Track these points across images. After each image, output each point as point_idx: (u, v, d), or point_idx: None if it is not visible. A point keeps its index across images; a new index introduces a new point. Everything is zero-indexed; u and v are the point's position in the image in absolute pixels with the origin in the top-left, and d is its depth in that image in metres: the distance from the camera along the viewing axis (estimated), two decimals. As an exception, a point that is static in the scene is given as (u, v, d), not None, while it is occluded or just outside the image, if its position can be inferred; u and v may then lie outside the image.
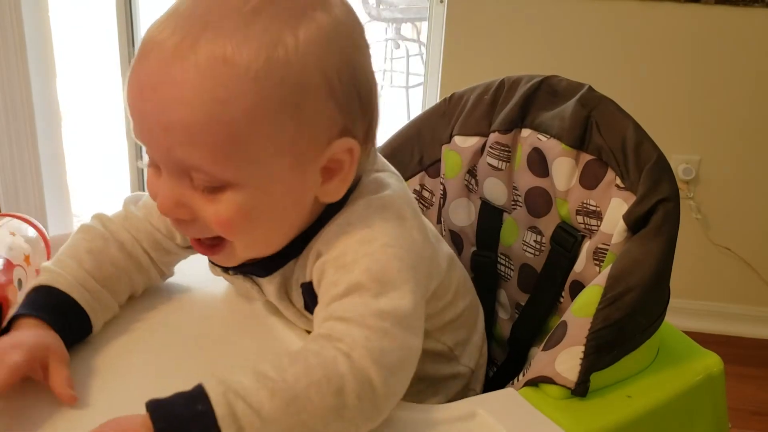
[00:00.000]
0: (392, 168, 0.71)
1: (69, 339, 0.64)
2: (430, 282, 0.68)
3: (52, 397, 0.60)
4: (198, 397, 0.53)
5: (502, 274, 0.88)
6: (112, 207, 0.75)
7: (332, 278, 0.61)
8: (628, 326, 0.66)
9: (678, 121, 1.87)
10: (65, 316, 0.65)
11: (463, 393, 0.78)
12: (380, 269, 0.60)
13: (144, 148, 0.62)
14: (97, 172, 2.68)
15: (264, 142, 0.58)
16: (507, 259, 0.87)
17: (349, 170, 0.63)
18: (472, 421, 0.61)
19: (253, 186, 0.59)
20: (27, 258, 0.72)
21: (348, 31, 0.61)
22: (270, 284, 0.68)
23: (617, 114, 0.76)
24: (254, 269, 0.69)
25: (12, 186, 2.22)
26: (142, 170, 2.34)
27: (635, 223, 0.70)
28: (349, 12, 0.62)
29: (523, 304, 0.86)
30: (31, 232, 0.75)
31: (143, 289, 0.74)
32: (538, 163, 0.81)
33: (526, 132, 0.83)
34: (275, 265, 0.67)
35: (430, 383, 0.75)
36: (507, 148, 0.84)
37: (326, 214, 0.65)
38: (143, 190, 0.71)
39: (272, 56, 0.56)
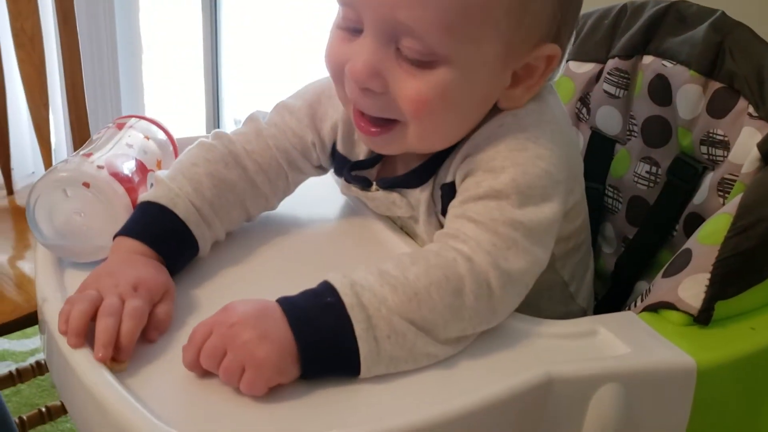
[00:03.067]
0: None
1: (174, 267, 0.63)
2: (569, 200, 0.66)
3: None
4: (326, 291, 0.54)
5: (609, 206, 0.86)
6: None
7: (476, 179, 0.60)
8: (757, 257, 0.63)
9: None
10: (175, 244, 0.64)
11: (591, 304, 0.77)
12: (526, 182, 0.59)
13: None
14: (173, 106, 2.72)
15: (490, 22, 0.56)
16: (616, 192, 0.85)
17: (539, 79, 0.62)
18: (593, 337, 0.60)
19: (462, 67, 0.58)
20: (159, 163, 0.72)
21: None
22: (423, 193, 0.66)
23: (754, 40, 0.72)
24: (407, 180, 0.67)
25: (93, 115, 2.26)
26: (218, 105, 2.35)
27: (770, 152, 0.67)
28: None
29: (630, 237, 0.83)
30: (161, 135, 0.75)
31: (259, 213, 0.72)
32: (661, 91, 0.77)
33: (648, 58, 0.79)
34: (429, 173, 0.66)
35: None
36: (626, 75, 0.81)
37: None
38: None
39: None
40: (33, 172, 2.13)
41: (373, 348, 0.53)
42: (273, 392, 0.52)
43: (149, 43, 2.37)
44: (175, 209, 0.64)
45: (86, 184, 0.62)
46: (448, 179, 0.65)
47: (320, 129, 0.72)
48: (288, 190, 0.74)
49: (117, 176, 0.64)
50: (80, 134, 1.34)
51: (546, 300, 0.73)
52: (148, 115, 0.73)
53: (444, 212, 0.65)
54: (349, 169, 0.71)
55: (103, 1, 2.11)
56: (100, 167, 0.63)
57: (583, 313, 0.77)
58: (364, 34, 0.58)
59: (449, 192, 0.65)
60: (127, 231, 0.63)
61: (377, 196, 0.70)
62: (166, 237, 0.63)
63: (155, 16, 2.43)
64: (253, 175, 0.69)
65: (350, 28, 0.60)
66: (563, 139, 0.63)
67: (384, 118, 0.62)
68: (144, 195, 0.65)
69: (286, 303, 0.54)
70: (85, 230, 0.63)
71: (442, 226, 0.65)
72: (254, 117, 0.73)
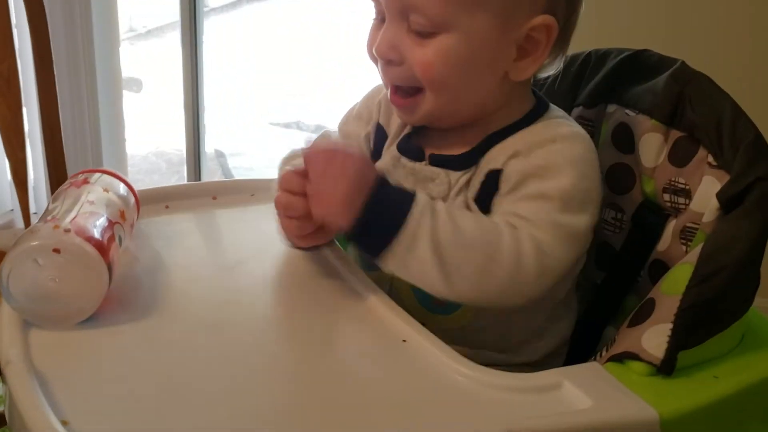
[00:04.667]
0: None
1: None
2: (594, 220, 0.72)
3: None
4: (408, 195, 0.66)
5: (579, 251, 0.87)
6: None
7: (528, 181, 0.69)
8: (718, 306, 0.64)
9: (755, 106, 1.79)
10: None
11: (561, 347, 0.79)
12: (571, 194, 0.68)
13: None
14: (153, 139, 2.73)
15: None
16: (584, 237, 0.86)
17: (542, 52, 0.70)
18: (558, 391, 0.60)
19: (459, 33, 0.68)
20: (122, 213, 0.72)
21: None
22: (463, 177, 0.73)
23: (713, 90, 0.74)
24: (455, 161, 0.74)
25: (72, 148, 2.25)
26: (198, 137, 2.36)
27: (729, 202, 0.68)
28: None
29: (599, 282, 0.84)
30: (122, 189, 0.76)
31: None
32: (624, 139, 0.79)
33: (612, 107, 0.81)
34: (474, 160, 0.73)
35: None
36: (591, 123, 0.83)
37: (521, 122, 0.74)
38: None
39: None
40: (11, 209, 2.12)
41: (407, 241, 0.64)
42: None
43: (130, 76, 2.38)
44: None
45: (57, 250, 0.62)
46: (497, 166, 0.72)
47: (371, 111, 0.83)
48: None
49: (86, 237, 0.64)
50: (57, 173, 1.34)
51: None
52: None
53: (477, 199, 0.72)
54: (405, 139, 0.78)
55: (83, 37, 2.12)
56: (67, 231, 0.63)
57: (563, 334, 0.80)
58: (386, 21, 0.70)
59: (493, 179, 0.72)
60: None
61: (423, 169, 0.75)
62: None
63: (136, 50, 2.46)
64: None
65: (378, 18, 0.73)
66: (596, 165, 0.72)
67: (410, 89, 0.72)
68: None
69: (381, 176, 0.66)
70: (60, 295, 0.64)
71: (466, 205, 0.73)
72: (325, 133, 0.86)
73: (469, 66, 0.70)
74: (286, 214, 0.73)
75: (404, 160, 0.77)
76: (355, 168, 0.65)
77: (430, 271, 0.65)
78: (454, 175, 0.74)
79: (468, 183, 0.73)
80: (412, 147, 0.77)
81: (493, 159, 0.73)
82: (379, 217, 0.65)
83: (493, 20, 0.68)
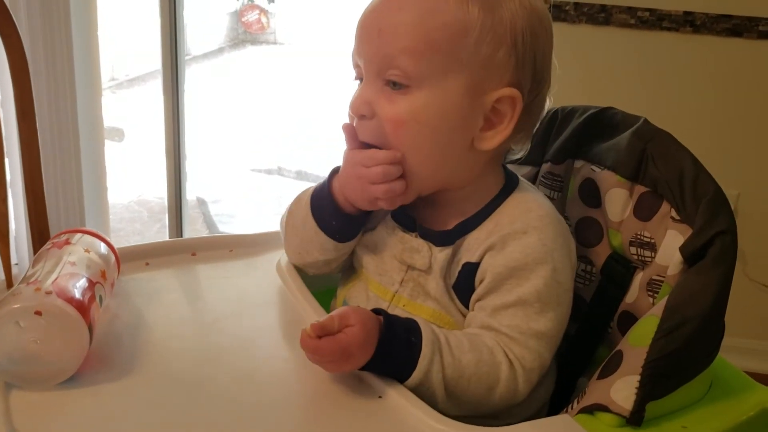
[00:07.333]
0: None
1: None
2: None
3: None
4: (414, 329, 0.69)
5: (551, 302, 0.89)
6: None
7: (504, 284, 0.72)
8: (684, 357, 0.67)
9: (716, 154, 1.86)
10: None
11: (542, 409, 0.80)
12: (547, 293, 0.71)
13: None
14: (135, 188, 2.74)
15: (452, 54, 0.70)
16: (556, 288, 0.88)
17: (507, 124, 0.73)
18: (530, 445, 0.62)
19: (431, 91, 0.70)
20: (103, 273, 0.74)
21: (540, 17, 0.73)
22: (441, 253, 0.76)
23: (674, 147, 0.77)
24: (437, 237, 0.76)
25: (53, 198, 2.26)
26: (180, 188, 2.37)
27: (692, 255, 0.70)
28: (545, 8, 0.75)
29: (571, 333, 0.86)
30: (103, 248, 0.77)
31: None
32: (591, 194, 0.82)
33: (579, 163, 0.84)
34: (452, 239, 0.76)
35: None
36: (560, 178, 0.85)
37: (493, 202, 0.76)
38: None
39: None
40: (-9, 260, 2.11)
41: (415, 383, 0.68)
42: None
43: (112, 126, 2.40)
44: None
45: (38, 312, 0.63)
46: (472, 259, 0.74)
47: None
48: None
49: (67, 298, 0.65)
50: (38, 223, 1.34)
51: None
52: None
53: (456, 287, 0.75)
54: (401, 208, 0.78)
55: (65, 87, 2.14)
56: (48, 293, 0.64)
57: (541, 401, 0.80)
58: (363, 80, 0.73)
59: (470, 272, 0.74)
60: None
61: (411, 240, 0.77)
62: None
63: (118, 99, 2.48)
64: None
65: (360, 80, 0.75)
66: (570, 252, 0.75)
67: None
68: None
69: (387, 319, 0.68)
70: (42, 356, 0.65)
71: (448, 291, 0.75)
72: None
73: (437, 126, 0.71)
74: (385, 180, 0.72)
75: (398, 230, 0.79)
76: (358, 346, 0.66)
77: (439, 399, 0.69)
78: (435, 249, 0.76)
79: (449, 266, 0.75)
80: (405, 217, 0.79)
81: (469, 250, 0.75)
82: (390, 363, 0.68)
83: (463, 84, 0.70)
